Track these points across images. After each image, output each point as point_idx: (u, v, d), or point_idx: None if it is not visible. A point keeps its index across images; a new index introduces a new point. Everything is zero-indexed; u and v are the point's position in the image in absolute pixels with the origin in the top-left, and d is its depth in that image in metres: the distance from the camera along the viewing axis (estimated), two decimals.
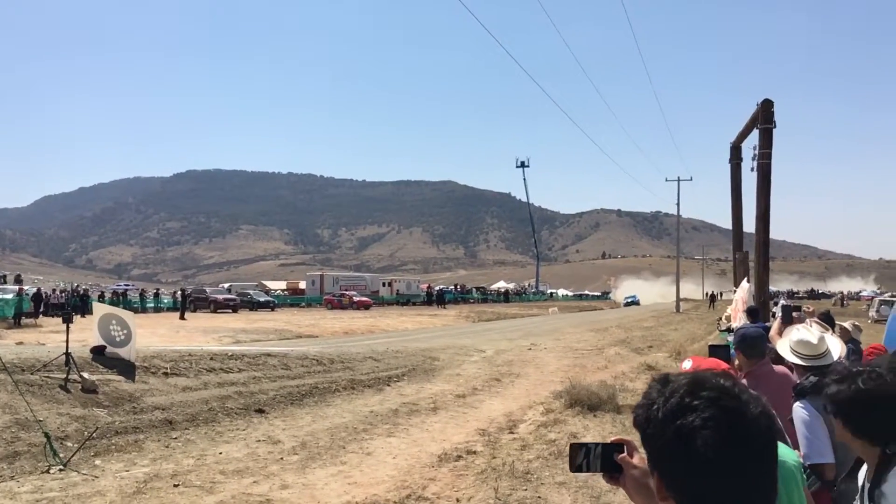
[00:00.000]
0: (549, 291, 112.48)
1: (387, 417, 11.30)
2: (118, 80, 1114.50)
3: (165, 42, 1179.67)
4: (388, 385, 14.61)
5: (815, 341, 3.85)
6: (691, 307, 63.92)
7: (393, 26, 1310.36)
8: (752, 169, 17.80)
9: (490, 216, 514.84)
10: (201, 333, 26.31)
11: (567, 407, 11.53)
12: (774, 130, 17.21)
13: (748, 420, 1.18)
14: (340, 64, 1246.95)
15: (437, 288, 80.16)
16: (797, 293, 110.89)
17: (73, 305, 33.98)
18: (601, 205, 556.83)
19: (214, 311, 44.78)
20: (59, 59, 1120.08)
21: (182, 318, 36.98)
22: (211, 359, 13.86)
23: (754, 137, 17.80)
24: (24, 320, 31.13)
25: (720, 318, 18.62)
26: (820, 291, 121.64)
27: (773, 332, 6.28)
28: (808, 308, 10.21)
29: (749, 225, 19.19)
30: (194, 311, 43.88)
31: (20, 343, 19.43)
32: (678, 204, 60.57)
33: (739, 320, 11.68)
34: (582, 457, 1.48)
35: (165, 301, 51.35)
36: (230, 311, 45.53)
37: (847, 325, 7.65)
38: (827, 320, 7.08)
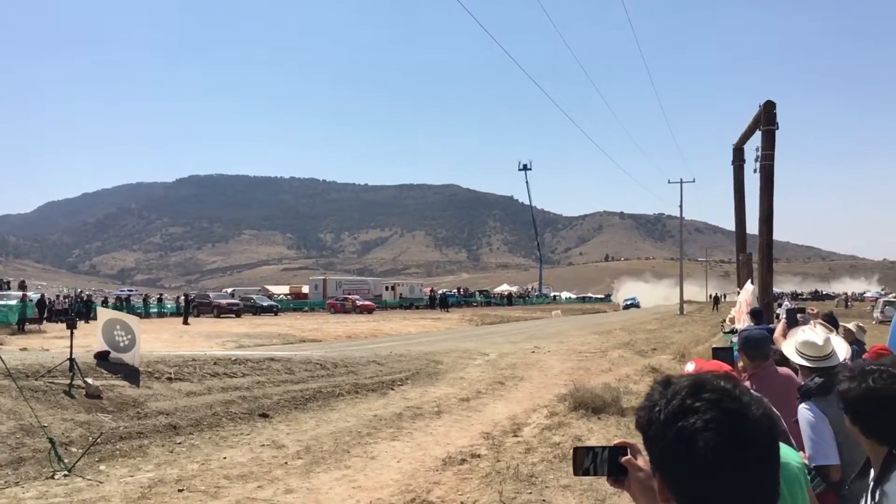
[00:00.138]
0: (552, 294, 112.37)
1: (391, 421, 11.30)
2: (121, 85, 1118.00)
3: (168, 47, 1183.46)
4: (392, 389, 14.60)
5: (820, 342, 3.84)
6: (695, 309, 63.81)
7: (394, 30, 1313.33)
8: (755, 170, 17.81)
9: (493, 219, 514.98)
10: (205, 338, 26.32)
11: (571, 410, 11.51)
12: (777, 132, 17.23)
13: (749, 422, 1.18)
14: (342, 68, 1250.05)
15: (440, 291, 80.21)
16: (801, 295, 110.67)
17: (77, 311, 34.05)
18: (604, 207, 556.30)
19: (218, 316, 44.82)
20: (63, 65, 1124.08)
21: (185, 323, 37.01)
22: (215, 364, 13.87)
23: (757, 139, 17.82)
24: (28, 326, 31.18)
25: (724, 320, 18.58)
26: (824, 293, 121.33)
27: (777, 333, 6.28)
28: (812, 310, 10.18)
29: (752, 226, 19.22)
30: (198, 315, 43.92)
31: (24, 349, 19.45)
32: (681, 206, 60.58)
33: (743, 322, 11.67)
34: (586, 460, 1.48)
35: (169, 306, 51.39)
36: (233, 315, 45.58)
37: (851, 326, 7.63)
38: (830, 321, 7.07)
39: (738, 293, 16.20)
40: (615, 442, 1.49)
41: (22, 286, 47.30)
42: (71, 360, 11.02)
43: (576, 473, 1.49)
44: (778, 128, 17.15)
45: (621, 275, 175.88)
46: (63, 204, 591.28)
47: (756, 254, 18.33)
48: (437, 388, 14.77)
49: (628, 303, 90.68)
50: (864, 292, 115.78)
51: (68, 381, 10.61)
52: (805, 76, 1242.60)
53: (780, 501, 1.30)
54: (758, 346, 4.51)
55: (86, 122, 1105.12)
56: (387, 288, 74.72)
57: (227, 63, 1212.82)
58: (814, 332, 3.95)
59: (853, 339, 6.96)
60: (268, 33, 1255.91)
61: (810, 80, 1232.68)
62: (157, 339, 23.84)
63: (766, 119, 17.10)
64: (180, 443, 9.65)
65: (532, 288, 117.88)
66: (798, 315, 8.87)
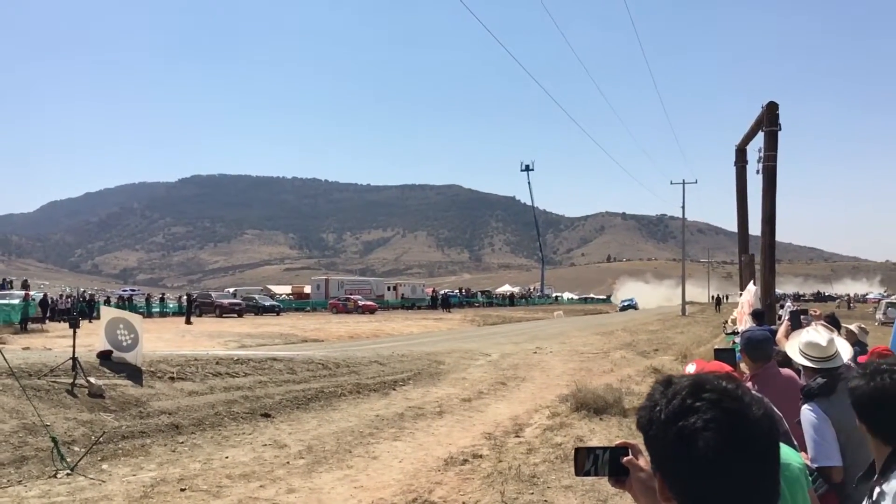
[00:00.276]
0: (554, 295, 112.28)
1: (393, 421, 11.31)
2: (124, 85, 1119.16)
3: (171, 48, 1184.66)
4: (394, 389, 14.61)
5: (824, 343, 3.84)
6: (697, 310, 63.73)
7: (397, 30, 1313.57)
8: (758, 171, 17.79)
9: (495, 220, 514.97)
10: (207, 338, 26.35)
11: (573, 410, 11.51)
12: (779, 132, 17.21)
13: (750, 422, 1.18)
14: (345, 68, 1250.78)
15: (441, 292, 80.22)
16: (803, 296, 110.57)
17: (80, 310, 34.09)
18: (606, 208, 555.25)
19: (220, 316, 44.86)
20: (66, 65, 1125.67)
21: (188, 322, 37.05)
22: (217, 363, 13.88)
23: (759, 140, 17.80)
24: (31, 325, 31.25)
25: (726, 321, 18.57)
26: (826, 294, 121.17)
27: (780, 335, 6.27)
28: (815, 311, 10.18)
29: (755, 227, 19.19)
30: (200, 315, 43.97)
31: (27, 348, 19.49)
32: (683, 207, 60.70)
33: (745, 323, 11.65)
34: (588, 461, 1.48)
35: (171, 306, 51.43)
36: (235, 315, 45.63)
37: (853, 327, 7.63)
38: (833, 322, 7.07)
39: (741, 294, 16.17)
40: (616, 442, 1.49)
41: (24, 285, 47.50)
42: (74, 359, 11.04)
43: (577, 474, 1.50)
44: (780, 129, 17.13)
45: (621, 275, 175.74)
46: (66, 203, 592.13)
47: (758, 255, 18.32)
48: (439, 389, 14.77)
49: (625, 304, 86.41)
50: (867, 294, 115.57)
51: (71, 381, 10.62)
52: (807, 77, 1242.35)
53: (781, 502, 1.30)
54: (760, 347, 4.50)
55: (89, 122, 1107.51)
56: (389, 288, 74.74)
57: (230, 63, 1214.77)
58: (817, 333, 3.95)
59: (855, 341, 6.96)
60: (270, 33, 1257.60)
61: (813, 81, 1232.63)
62: (160, 339, 23.86)
63: (769, 120, 17.08)
64: (182, 442, 9.67)
65: (534, 288, 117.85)
66: (801, 317, 8.88)
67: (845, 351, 4.00)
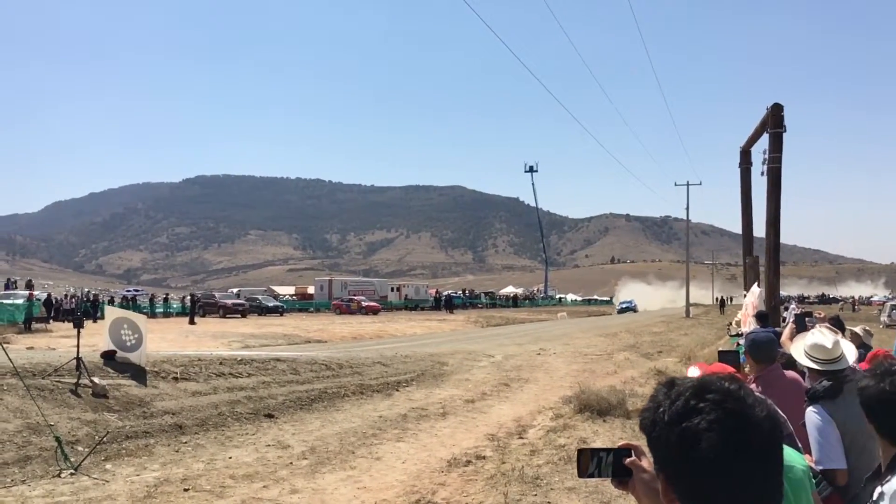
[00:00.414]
0: (557, 296, 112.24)
1: (396, 422, 11.31)
2: (127, 86, 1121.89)
3: (174, 48, 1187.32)
4: (398, 390, 14.61)
5: (829, 345, 3.83)
6: (701, 312, 63.66)
7: (401, 31, 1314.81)
8: (763, 173, 17.74)
9: (498, 221, 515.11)
10: (211, 338, 26.40)
11: (576, 412, 11.50)
12: (784, 134, 17.17)
13: (753, 423, 1.18)
14: (349, 69, 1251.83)
15: (445, 293, 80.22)
16: (807, 298, 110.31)
17: (84, 310, 34.18)
18: (610, 209, 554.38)
19: (223, 316, 44.96)
20: (70, 66, 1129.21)
21: (191, 322, 37.12)
22: (220, 363, 13.90)
23: (764, 141, 17.74)
24: (35, 325, 31.33)
25: (730, 323, 18.53)
26: (831, 296, 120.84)
27: (784, 337, 6.26)
28: (820, 313, 10.15)
29: (759, 229, 19.14)
30: (203, 315, 44.06)
31: (31, 348, 19.55)
32: (687, 208, 60.51)
33: (749, 325, 11.63)
34: (591, 462, 1.48)
35: (175, 306, 51.56)
36: (239, 315, 45.73)
37: (858, 329, 7.60)
38: (837, 325, 7.04)
39: (745, 296, 16.14)
40: (619, 444, 1.49)
41: (29, 285, 47.60)
42: (78, 359, 11.06)
43: (580, 475, 1.49)
44: (786, 130, 17.07)
45: (622, 276, 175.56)
46: (70, 204, 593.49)
47: (763, 257, 18.28)
48: (443, 390, 14.77)
49: (624, 306, 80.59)
50: (872, 296, 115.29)
51: (75, 380, 10.64)
52: (812, 78, 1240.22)
53: (785, 503, 1.30)
54: (764, 349, 4.49)
55: (93, 123, 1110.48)
56: (392, 289, 74.83)
57: (235, 64, 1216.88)
58: (823, 336, 3.94)
59: (860, 343, 6.94)
60: (275, 34, 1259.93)
61: (817, 83, 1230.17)
62: (163, 339, 23.90)
63: (774, 122, 17.02)
64: (186, 442, 9.68)
65: (537, 290, 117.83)
66: (806, 319, 8.86)
67: (851, 353, 3.98)
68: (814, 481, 2.37)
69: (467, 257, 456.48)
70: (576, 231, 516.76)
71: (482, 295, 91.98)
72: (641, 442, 1.39)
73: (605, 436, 10.04)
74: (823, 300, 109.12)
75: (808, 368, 3.94)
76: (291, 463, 8.67)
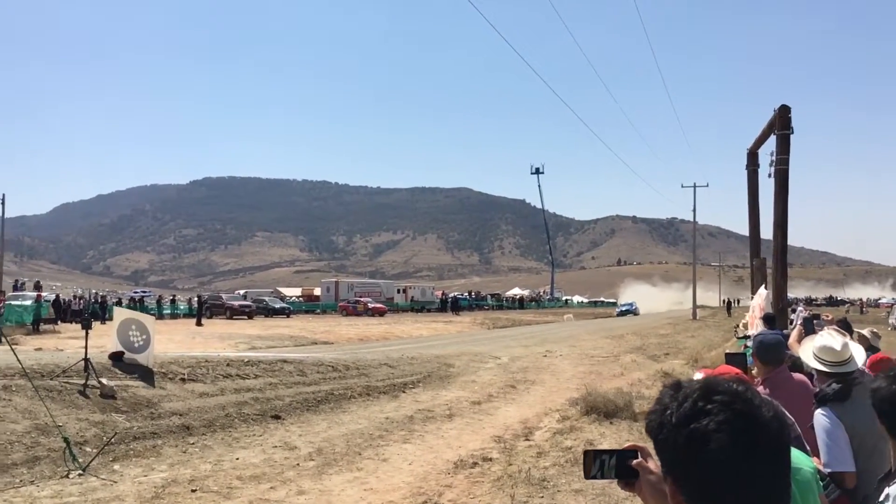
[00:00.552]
0: (564, 298, 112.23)
1: (402, 424, 11.32)
2: (135, 88, 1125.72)
3: (181, 50, 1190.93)
4: (404, 391, 14.62)
5: (838, 347, 3.82)
6: (708, 314, 63.46)
7: (406, 33, 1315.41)
8: (770, 175, 17.73)
9: (505, 223, 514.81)
10: (217, 340, 26.48)
11: (583, 414, 11.49)
12: (792, 136, 17.15)
13: (761, 423, 1.19)
14: (354, 71, 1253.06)
15: (451, 294, 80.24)
16: (815, 300, 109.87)
17: (92, 312, 34.30)
18: (616, 211, 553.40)
19: (230, 318, 45.05)
20: (77, 67, 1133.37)
21: (198, 324, 37.23)
22: (227, 365, 13.93)
23: (771, 143, 17.73)
24: (43, 326, 31.47)
25: (737, 326, 18.49)
26: (839, 298, 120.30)
27: (792, 339, 6.24)
28: (827, 316, 10.14)
29: (767, 231, 19.12)
30: (210, 317, 44.16)
31: (39, 349, 19.63)
32: (694, 210, 60.21)
33: (756, 327, 11.61)
34: (596, 464, 1.48)
35: (182, 307, 51.71)
36: (246, 317, 45.82)
37: (866, 332, 7.58)
38: (845, 327, 7.04)
39: (752, 298, 16.12)
40: (625, 445, 1.50)
41: (37, 287, 47.80)
42: (86, 360, 11.11)
43: (586, 477, 1.50)
44: (793, 132, 17.06)
45: (626, 277, 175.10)
46: (78, 205, 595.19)
47: (770, 259, 18.24)
48: (449, 392, 14.78)
49: (623, 309, 77.54)
50: (879, 298, 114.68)
51: (83, 381, 10.69)
52: (819, 80, 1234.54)
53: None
54: (772, 351, 4.48)
55: (101, 125, 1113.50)
56: (398, 291, 74.92)
57: (241, 66, 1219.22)
58: (832, 338, 3.93)
59: (868, 346, 6.92)
60: (281, 36, 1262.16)
61: (824, 84, 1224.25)
62: (171, 341, 23.98)
63: (781, 123, 17.01)
64: (193, 443, 9.71)
65: (544, 292, 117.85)
66: (814, 321, 8.85)
67: (860, 355, 3.97)
68: (821, 484, 2.37)
69: (473, 259, 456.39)
70: (582, 233, 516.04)
71: (488, 297, 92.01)
72: (649, 444, 1.40)
73: (611, 438, 10.03)
74: (831, 302, 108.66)
75: (817, 371, 3.93)
76: (298, 464, 8.69)
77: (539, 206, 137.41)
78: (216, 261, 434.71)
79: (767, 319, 10.63)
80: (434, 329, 39.16)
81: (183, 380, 12.39)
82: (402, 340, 30.60)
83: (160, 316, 44.74)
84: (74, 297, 43.33)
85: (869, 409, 2.29)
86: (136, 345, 12.34)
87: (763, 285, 16.20)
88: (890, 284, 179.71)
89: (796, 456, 1.71)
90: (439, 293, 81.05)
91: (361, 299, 59.58)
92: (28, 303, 34.06)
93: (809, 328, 7.56)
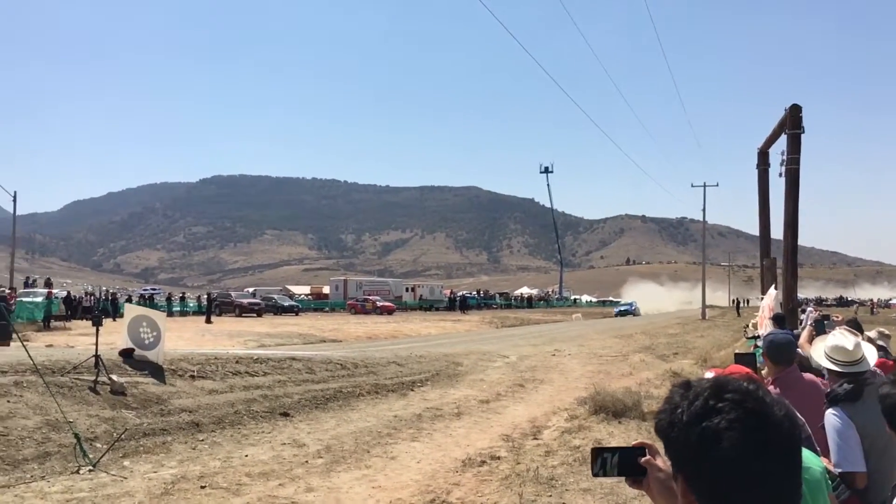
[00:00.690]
0: (572, 297, 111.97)
1: (411, 422, 11.33)
2: (146, 87, 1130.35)
3: (183, 50, 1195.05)
4: (412, 390, 14.64)
5: (850, 347, 3.81)
6: (717, 314, 63.23)
7: (415, 32, 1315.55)
8: (781, 174, 17.64)
9: (513, 222, 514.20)
10: (227, 337, 26.57)
11: (591, 413, 11.47)
12: (803, 136, 17.05)
13: (773, 422, 1.19)
14: (364, 69, 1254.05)
15: (459, 293, 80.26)
16: (825, 300, 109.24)
17: (103, 309, 34.50)
18: (626, 210, 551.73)
19: (239, 315, 45.23)
20: (89, 66, 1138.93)
21: (208, 321, 37.39)
22: (237, 362, 13.98)
23: (782, 143, 17.65)
24: (54, 323, 31.68)
25: (747, 326, 18.41)
26: (849, 299, 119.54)
27: (802, 339, 6.21)
28: (837, 316, 10.09)
29: (777, 231, 19.03)
30: (220, 314, 44.34)
31: (50, 345, 19.77)
32: (704, 210, 59.91)
33: (766, 327, 11.56)
34: (604, 462, 1.48)
35: (191, 305, 51.93)
36: (255, 315, 45.98)
37: (872, 333, 7.53)
38: (855, 327, 6.99)
39: (762, 298, 16.05)
40: (634, 442, 1.50)
41: (48, 284, 48.13)
42: (96, 356, 11.16)
43: (594, 474, 1.50)
44: (804, 132, 16.97)
45: (631, 276, 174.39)
46: (89, 203, 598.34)
47: (780, 259, 18.16)
48: (457, 390, 14.78)
49: (622, 309, 73.17)
50: (890, 299, 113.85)
51: (93, 378, 10.75)
52: (829, 79, 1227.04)
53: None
54: (783, 351, 4.47)
55: (112, 123, 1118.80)
56: (407, 289, 74.99)
57: (251, 64, 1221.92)
58: (844, 338, 3.91)
59: (877, 347, 6.88)
60: (291, 35, 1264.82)
61: (835, 84, 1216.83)
62: (180, 338, 24.09)
63: (792, 123, 16.92)
64: (203, 440, 9.75)
65: (552, 291, 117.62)
66: (824, 322, 8.81)
67: (872, 356, 3.95)
68: (831, 484, 2.36)
69: (482, 258, 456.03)
70: (591, 232, 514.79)
71: (497, 296, 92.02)
72: (658, 443, 1.39)
73: (620, 437, 10.01)
74: (841, 303, 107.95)
75: (829, 370, 3.91)
76: (307, 461, 8.71)
77: (548, 205, 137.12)
78: (226, 258, 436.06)
79: (777, 319, 10.59)
80: (442, 328, 39.18)
81: (192, 377, 12.44)
82: (411, 339, 30.63)
83: (170, 313, 44.89)
84: (85, 293, 43.59)
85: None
86: (147, 341, 12.40)
87: (773, 285, 16.13)
88: None
89: (806, 455, 1.70)
90: (448, 292, 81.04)
91: (370, 297, 59.64)
92: (39, 300, 34.35)
93: (820, 329, 7.51)
